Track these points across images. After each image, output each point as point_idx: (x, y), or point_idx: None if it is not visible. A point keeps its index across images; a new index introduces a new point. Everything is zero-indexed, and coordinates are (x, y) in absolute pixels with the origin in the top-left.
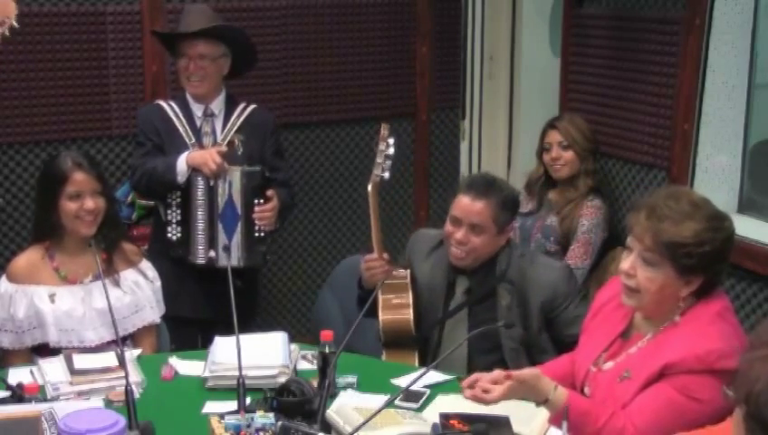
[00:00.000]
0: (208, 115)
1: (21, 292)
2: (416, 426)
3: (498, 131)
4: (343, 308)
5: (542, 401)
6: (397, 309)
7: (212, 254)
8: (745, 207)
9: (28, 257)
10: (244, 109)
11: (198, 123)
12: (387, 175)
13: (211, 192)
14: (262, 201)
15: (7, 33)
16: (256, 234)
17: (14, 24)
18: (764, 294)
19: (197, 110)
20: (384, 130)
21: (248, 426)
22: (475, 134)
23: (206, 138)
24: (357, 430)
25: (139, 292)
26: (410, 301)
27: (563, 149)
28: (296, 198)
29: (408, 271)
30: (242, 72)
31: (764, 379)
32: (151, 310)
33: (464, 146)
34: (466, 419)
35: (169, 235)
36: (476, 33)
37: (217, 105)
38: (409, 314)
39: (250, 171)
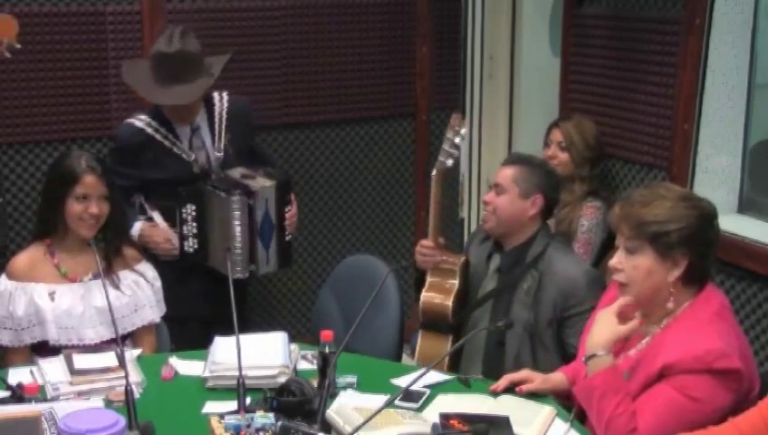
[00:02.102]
0: (195, 129)
1: (20, 289)
2: (416, 426)
3: (498, 131)
4: (343, 308)
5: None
6: (440, 293)
7: (252, 267)
8: (745, 207)
9: (28, 255)
10: (222, 104)
11: (187, 140)
12: (450, 162)
13: (251, 213)
14: (289, 207)
15: (7, 53)
16: (287, 237)
17: (16, 44)
18: (764, 294)
19: (184, 127)
20: (455, 119)
21: (248, 426)
22: (475, 134)
23: (199, 152)
24: (357, 429)
25: (138, 291)
26: (455, 288)
27: (561, 149)
28: (294, 191)
29: (463, 258)
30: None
31: None
32: (151, 310)
33: (464, 146)
34: (466, 419)
35: (186, 248)
36: (476, 33)
37: (200, 117)
38: (449, 301)
39: (283, 182)
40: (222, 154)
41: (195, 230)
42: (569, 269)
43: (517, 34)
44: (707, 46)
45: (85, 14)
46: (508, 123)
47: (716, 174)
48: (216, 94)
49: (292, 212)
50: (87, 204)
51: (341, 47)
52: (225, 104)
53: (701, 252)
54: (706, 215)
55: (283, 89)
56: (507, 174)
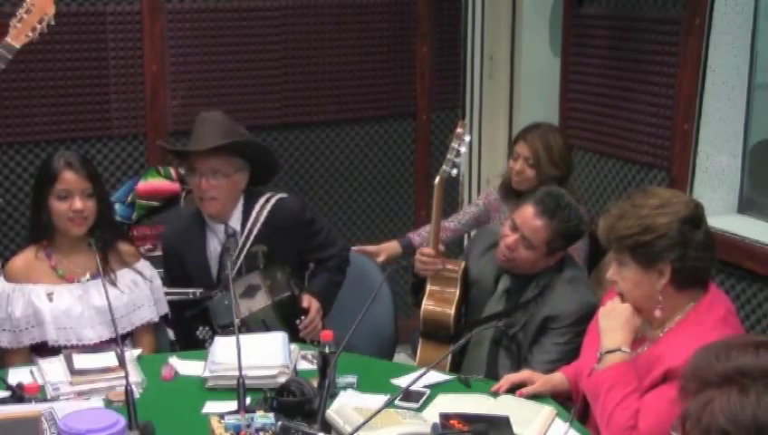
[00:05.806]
0: (230, 235)
1: (18, 291)
2: (416, 426)
3: (498, 131)
4: (348, 287)
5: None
6: (441, 302)
7: None
8: (745, 207)
9: (25, 257)
10: (263, 208)
11: (220, 245)
12: (454, 172)
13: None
14: (303, 317)
15: (45, 29)
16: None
17: (52, 21)
18: (764, 294)
19: (219, 232)
20: (460, 127)
21: (248, 426)
22: (475, 134)
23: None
24: (357, 429)
25: (136, 290)
26: (456, 297)
27: (528, 166)
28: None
29: (463, 264)
30: (263, 183)
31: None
32: (149, 309)
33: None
34: (466, 419)
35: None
36: (476, 33)
37: (236, 220)
38: (451, 311)
39: (279, 301)
40: (234, 273)
41: (210, 333)
42: (565, 298)
43: (517, 34)
44: (707, 46)
45: (85, 14)
46: (508, 123)
47: (716, 174)
48: (262, 198)
49: (307, 321)
50: (70, 201)
51: (341, 47)
52: (265, 213)
53: (687, 256)
54: (686, 218)
55: (282, 89)
56: (539, 233)
